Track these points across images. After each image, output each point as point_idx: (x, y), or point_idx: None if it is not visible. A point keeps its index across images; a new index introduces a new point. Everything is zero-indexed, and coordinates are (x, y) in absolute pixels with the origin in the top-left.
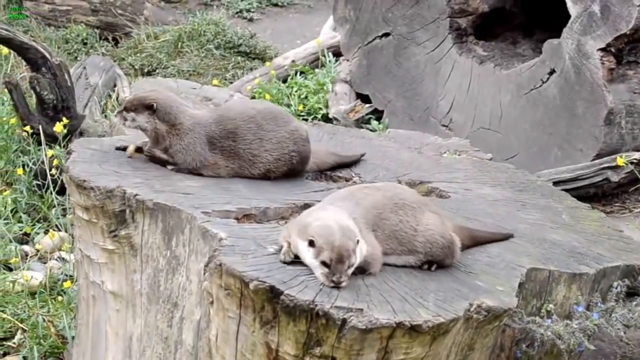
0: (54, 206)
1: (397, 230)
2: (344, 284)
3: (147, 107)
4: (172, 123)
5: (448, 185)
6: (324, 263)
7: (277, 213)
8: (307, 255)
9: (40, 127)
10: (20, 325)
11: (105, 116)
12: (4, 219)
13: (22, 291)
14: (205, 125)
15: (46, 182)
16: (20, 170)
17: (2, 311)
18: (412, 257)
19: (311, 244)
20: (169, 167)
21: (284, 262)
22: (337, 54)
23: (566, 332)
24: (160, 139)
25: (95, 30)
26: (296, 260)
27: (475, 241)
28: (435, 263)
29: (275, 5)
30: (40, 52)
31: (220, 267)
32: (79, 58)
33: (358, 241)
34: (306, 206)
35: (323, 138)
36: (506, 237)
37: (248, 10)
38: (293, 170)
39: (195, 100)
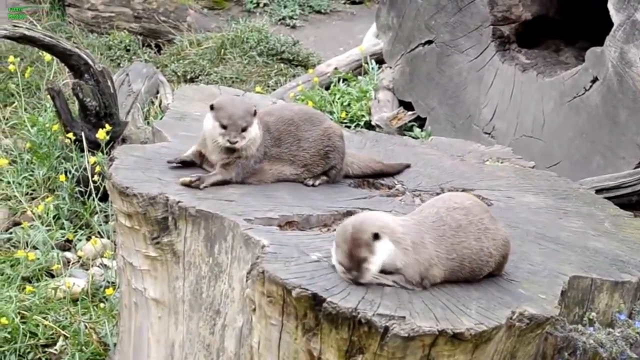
0: (96, 213)
1: (475, 258)
2: (362, 281)
3: (254, 114)
4: (260, 127)
5: (490, 192)
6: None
7: (319, 220)
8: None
9: (82, 133)
10: (62, 332)
11: (148, 123)
12: (47, 226)
13: (64, 298)
14: (264, 135)
15: (88, 189)
16: (62, 177)
17: (44, 318)
18: (475, 278)
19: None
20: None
21: None
22: (380, 61)
23: (608, 341)
24: (253, 145)
25: (138, 36)
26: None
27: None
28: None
29: (318, 12)
30: (83, 58)
31: (263, 274)
32: (121, 65)
33: (377, 235)
34: (349, 213)
35: (366, 145)
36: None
37: (291, 18)
38: (330, 165)
39: None
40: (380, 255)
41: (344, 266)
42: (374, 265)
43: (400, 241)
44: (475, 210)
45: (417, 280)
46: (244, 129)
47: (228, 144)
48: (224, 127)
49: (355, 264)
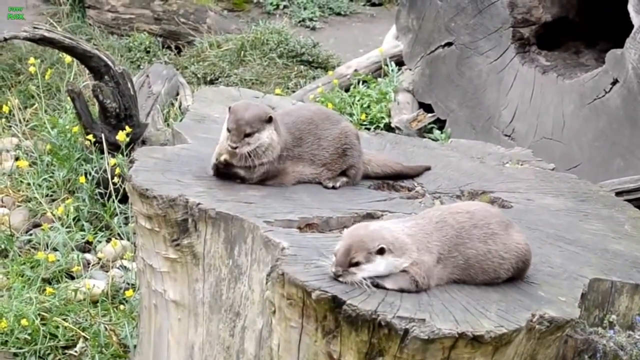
0: (116, 214)
1: (484, 260)
2: (341, 279)
3: (267, 121)
4: (279, 132)
5: (510, 195)
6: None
7: (339, 222)
8: None
9: (102, 135)
10: (82, 333)
11: (168, 125)
12: (67, 228)
13: (84, 299)
14: (286, 137)
15: (108, 191)
16: (82, 179)
17: (64, 319)
18: (493, 281)
19: None
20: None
21: None
22: (400, 63)
23: (629, 343)
24: (269, 151)
25: (158, 38)
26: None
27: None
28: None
29: (338, 14)
30: (103, 60)
31: (283, 276)
32: (141, 66)
33: (382, 250)
34: (369, 215)
35: (386, 147)
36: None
37: (311, 19)
38: (348, 164)
39: None
40: (375, 268)
41: (336, 258)
42: (362, 273)
43: (406, 252)
44: (480, 215)
45: (420, 283)
46: (248, 135)
47: (229, 148)
48: (228, 130)
49: (346, 262)
